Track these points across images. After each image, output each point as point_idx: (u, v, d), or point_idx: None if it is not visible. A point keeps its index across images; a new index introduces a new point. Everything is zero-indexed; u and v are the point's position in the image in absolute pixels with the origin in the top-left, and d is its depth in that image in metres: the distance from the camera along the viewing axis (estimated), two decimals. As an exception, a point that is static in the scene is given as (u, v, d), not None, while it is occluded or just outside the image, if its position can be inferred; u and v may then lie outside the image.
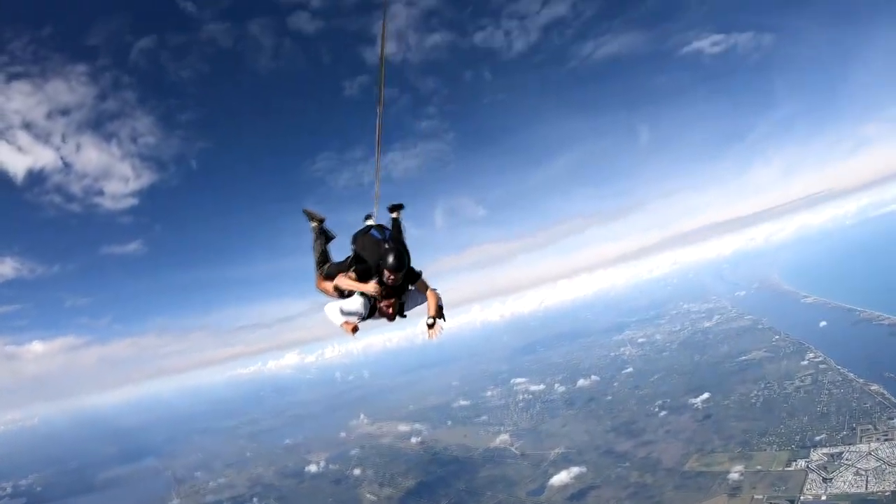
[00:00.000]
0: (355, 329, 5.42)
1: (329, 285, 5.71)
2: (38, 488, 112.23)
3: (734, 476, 50.38)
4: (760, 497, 46.09)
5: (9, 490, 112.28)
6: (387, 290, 5.29)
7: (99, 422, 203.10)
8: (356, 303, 5.34)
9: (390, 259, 5.11)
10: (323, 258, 6.25)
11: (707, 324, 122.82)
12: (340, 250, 6.24)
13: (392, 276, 5.15)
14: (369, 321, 5.67)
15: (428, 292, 5.58)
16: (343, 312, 5.32)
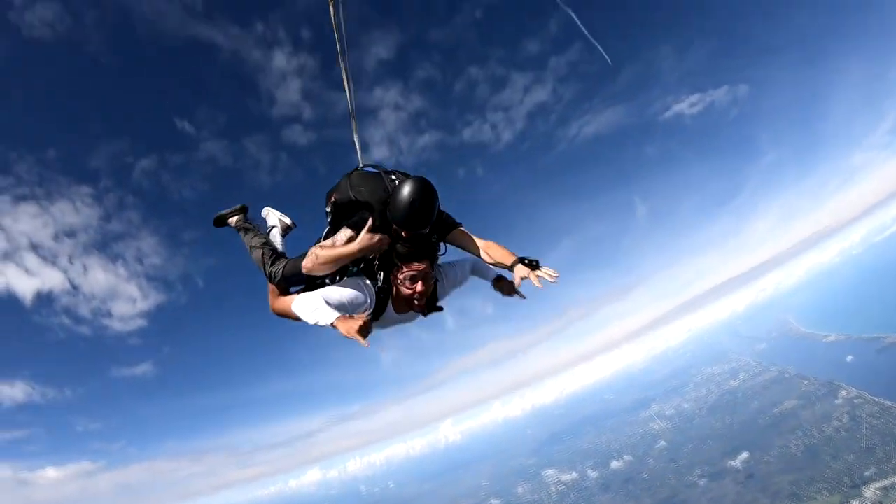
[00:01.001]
0: (364, 330, 2.96)
1: (288, 301, 3.61)
2: None
3: (790, 533, 46.23)
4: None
5: None
6: (405, 248, 3.32)
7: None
8: (348, 291, 3.37)
9: (406, 192, 3.16)
10: (270, 256, 3.95)
11: (733, 383, 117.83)
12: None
13: (409, 225, 3.25)
14: (388, 328, 3.74)
15: (485, 243, 3.59)
16: (331, 304, 3.21)
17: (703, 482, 69.60)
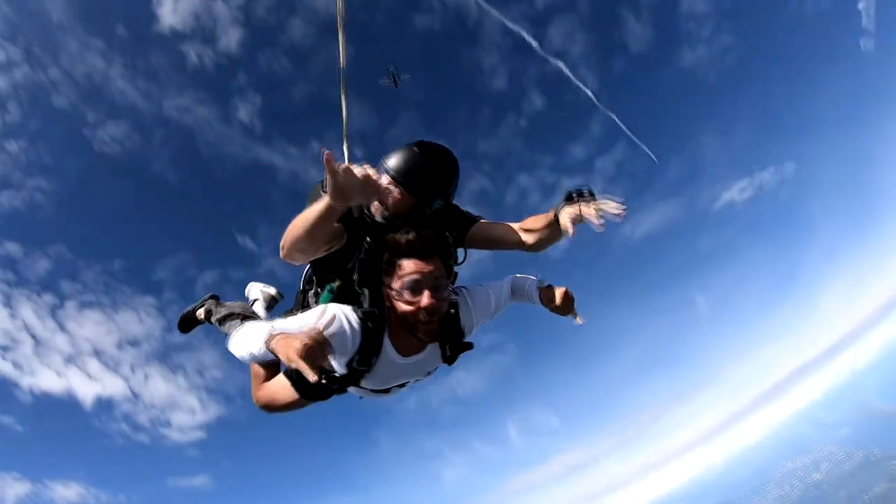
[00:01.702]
0: (313, 352, 1.63)
1: (274, 386, 2.84)
2: None
3: None
4: None
5: None
6: (404, 237, 1.99)
7: None
8: (316, 315, 2.00)
9: (416, 144, 2.31)
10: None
11: (816, 476, 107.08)
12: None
13: (416, 183, 2.24)
14: (391, 388, 2.37)
15: (520, 223, 2.48)
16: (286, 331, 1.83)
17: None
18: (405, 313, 1.98)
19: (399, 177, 2.23)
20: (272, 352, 1.75)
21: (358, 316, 2.02)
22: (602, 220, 2.02)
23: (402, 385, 2.39)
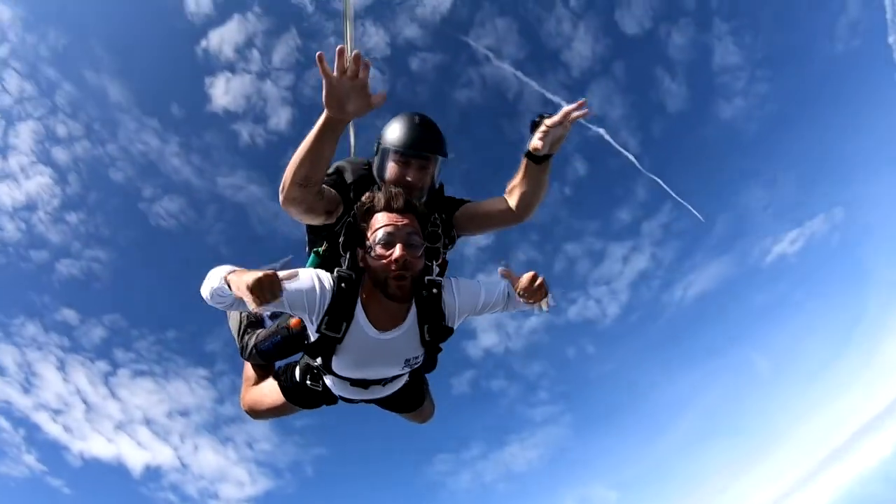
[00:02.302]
0: (262, 285, 1.64)
1: (262, 391, 2.71)
2: None
3: None
4: None
5: None
6: (385, 193, 1.97)
7: None
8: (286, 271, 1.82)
9: (403, 114, 2.36)
10: (247, 325, 2.82)
11: None
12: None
13: (408, 140, 2.27)
14: (369, 381, 2.23)
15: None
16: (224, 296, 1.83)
17: None
18: (376, 268, 1.86)
19: (404, 146, 2.24)
20: (227, 284, 1.73)
21: (332, 277, 1.97)
22: (564, 120, 2.05)
23: (383, 382, 2.25)
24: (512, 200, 2.34)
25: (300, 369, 2.43)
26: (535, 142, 2.13)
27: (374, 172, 2.39)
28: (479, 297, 2.16)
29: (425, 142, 2.30)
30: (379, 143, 2.36)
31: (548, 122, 2.08)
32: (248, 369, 2.89)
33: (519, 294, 2.02)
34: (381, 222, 1.90)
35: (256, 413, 2.75)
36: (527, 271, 2.03)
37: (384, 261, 1.85)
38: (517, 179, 2.29)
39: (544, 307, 2.06)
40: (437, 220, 2.30)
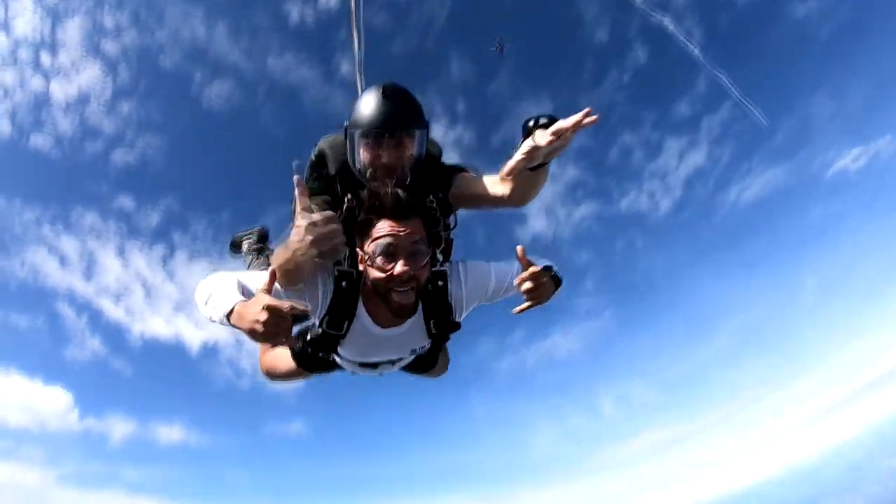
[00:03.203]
0: (274, 321, 1.35)
1: (278, 355, 2.62)
2: None
3: None
4: None
5: None
6: (376, 189, 1.72)
7: None
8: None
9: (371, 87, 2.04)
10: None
11: None
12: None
13: (376, 119, 1.94)
14: (369, 364, 2.19)
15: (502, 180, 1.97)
16: (247, 291, 1.66)
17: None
18: (377, 280, 1.71)
19: (370, 125, 1.93)
20: (235, 328, 1.49)
21: (333, 276, 1.83)
22: (556, 138, 1.52)
23: (393, 362, 2.21)
24: (508, 188, 2.00)
25: (310, 341, 2.16)
26: (516, 162, 1.69)
27: (349, 162, 2.06)
28: (490, 283, 2.01)
29: (393, 117, 1.93)
30: (346, 129, 2.02)
31: (539, 139, 1.58)
32: None
33: (517, 284, 1.71)
34: (380, 231, 1.69)
35: (273, 376, 2.69)
36: (543, 258, 1.87)
37: (384, 274, 1.68)
38: (513, 172, 1.77)
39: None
40: (433, 202, 2.02)
